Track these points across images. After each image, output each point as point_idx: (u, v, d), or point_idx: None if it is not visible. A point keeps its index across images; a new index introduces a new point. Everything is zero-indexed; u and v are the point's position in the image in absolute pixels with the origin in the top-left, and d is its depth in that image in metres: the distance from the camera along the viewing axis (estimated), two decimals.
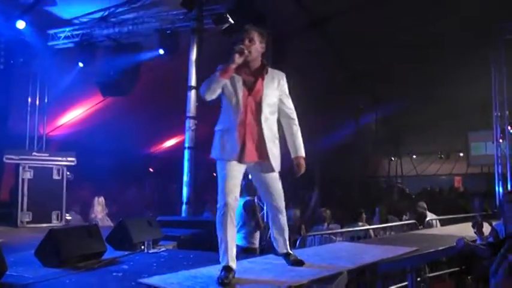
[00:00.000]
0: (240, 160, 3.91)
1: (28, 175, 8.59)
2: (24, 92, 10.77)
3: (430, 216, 9.61)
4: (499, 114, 10.90)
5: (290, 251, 4.30)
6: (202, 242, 6.23)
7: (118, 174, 12.01)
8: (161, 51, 9.80)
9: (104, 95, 11.14)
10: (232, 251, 3.76)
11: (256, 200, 7.28)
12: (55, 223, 8.61)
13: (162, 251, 5.20)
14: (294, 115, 4.17)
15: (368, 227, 8.31)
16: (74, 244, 4.60)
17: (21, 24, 9.70)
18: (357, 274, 4.55)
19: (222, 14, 8.78)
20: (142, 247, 5.20)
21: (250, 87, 3.98)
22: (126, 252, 5.05)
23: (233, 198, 3.84)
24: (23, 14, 9.71)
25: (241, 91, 3.95)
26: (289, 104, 4.16)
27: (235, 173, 3.90)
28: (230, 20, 8.69)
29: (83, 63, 10.51)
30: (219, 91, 3.91)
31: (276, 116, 4.10)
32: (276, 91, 4.06)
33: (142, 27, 9.95)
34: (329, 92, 14.41)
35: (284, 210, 4.23)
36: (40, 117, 10.88)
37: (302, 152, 4.11)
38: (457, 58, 11.98)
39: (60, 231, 4.78)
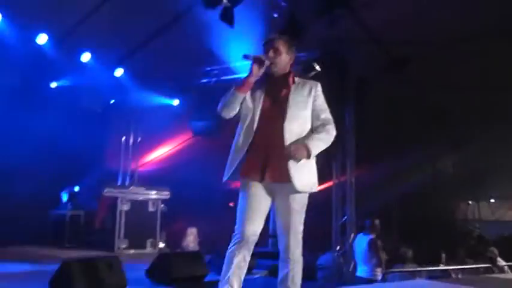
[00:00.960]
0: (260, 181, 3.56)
1: (125, 207, 9.49)
2: (118, 132, 11.78)
3: (501, 262, 9.73)
4: None
5: None
6: None
7: (202, 207, 12.74)
8: None
9: (195, 135, 12.02)
10: None
11: None
12: (149, 250, 9.48)
13: (257, 277, 5.82)
14: (330, 127, 3.62)
15: (447, 267, 8.62)
16: (182, 266, 5.30)
17: (119, 72, 10.79)
18: None
19: (310, 62, 9.32)
20: None
21: (274, 99, 3.61)
22: None
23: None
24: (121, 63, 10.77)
25: (260, 104, 3.58)
26: (325, 115, 3.64)
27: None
28: (317, 67, 9.27)
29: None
30: (237, 107, 3.59)
31: (307, 129, 3.60)
32: (306, 100, 3.60)
33: None
34: (406, 134, 14.70)
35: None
36: (133, 155, 11.83)
37: (311, 146, 3.49)
38: None
39: (170, 254, 5.50)
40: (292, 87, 3.62)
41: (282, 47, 3.59)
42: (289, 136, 3.48)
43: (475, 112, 13.62)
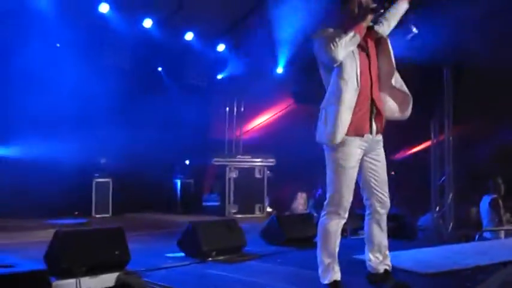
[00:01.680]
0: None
1: (234, 174, 10.42)
2: (223, 103, 12.66)
3: None
4: None
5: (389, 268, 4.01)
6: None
7: (305, 173, 13.41)
8: None
9: (297, 103, 12.69)
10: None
11: None
12: (257, 214, 10.44)
13: (363, 237, 6.42)
14: None
15: None
16: (294, 227, 6.05)
17: (221, 47, 11.64)
18: None
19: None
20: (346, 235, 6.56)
21: (367, 54, 3.82)
22: None
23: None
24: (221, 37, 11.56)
25: (357, 60, 3.73)
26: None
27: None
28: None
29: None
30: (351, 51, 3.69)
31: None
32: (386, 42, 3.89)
33: None
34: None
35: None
36: (237, 124, 12.70)
37: None
38: None
39: (283, 217, 6.28)
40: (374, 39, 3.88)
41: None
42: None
43: None
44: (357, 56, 3.71)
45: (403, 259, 4.58)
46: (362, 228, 6.68)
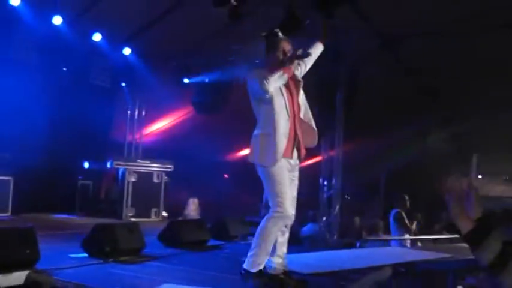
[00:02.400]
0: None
1: (132, 178, 10.70)
2: (125, 106, 12.85)
3: None
4: None
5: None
6: None
7: (201, 178, 13.92)
8: None
9: (198, 113, 13.20)
10: None
11: None
12: (153, 218, 10.75)
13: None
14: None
15: (417, 237, 9.97)
16: (189, 232, 6.61)
17: (127, 51, 11.91)
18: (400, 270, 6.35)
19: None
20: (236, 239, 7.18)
21: (291, 92, 4.59)
22: (224, 241, 7.05)
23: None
24: (128, 41, 11.85)
25: (285, 96, 4.51)
26: None
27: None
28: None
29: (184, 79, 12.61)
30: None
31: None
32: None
33: None
34: (397, 111, 15.83)
35: None
36: (137, 127, 12.88)
37: None
38: None
39: (179, 222, 6.80)
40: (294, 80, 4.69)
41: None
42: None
43: (465, 91, 14.67)
44: (284, 92, 4.52)
45: (290, 261, 5.18)
46: (251, 234, 7.35)
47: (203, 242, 6.68)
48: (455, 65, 12.90)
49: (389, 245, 9.06)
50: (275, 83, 4.37)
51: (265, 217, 4.49)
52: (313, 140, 4.74)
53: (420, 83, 14.55)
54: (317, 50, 4.92)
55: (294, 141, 4.57)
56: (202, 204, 11.55)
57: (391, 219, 9.79)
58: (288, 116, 4.50)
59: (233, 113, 13.64)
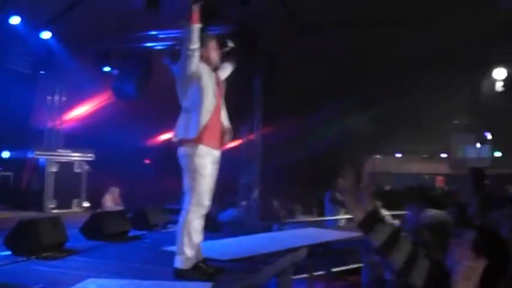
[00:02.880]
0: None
1: (54, 168, 10.74)
2: (45, 91, 12.76)
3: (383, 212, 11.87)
4: None
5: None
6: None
7: (123, 166, 14.01)
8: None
9: (118, 99, 13.25)
10: None
11: None
12: (75, 209, 10.79)
13: (173, 230, 7.43)
14: None
15: (333, 218, 10.62)
16: (111, 223, 6.87)
17: (47, 35, 11.78)
18: (315, 250, 6.88)
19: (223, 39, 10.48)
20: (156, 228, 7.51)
21: (217, 91, 4.94)
22: (144, 231, 7.36)
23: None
24: (48, 25, 11.75)
25: (215, 91, 4.88)
26: None
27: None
28: (230, 44, 10.49)
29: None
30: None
31: None
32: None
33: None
34: (318, 95, 16.43)
35: None
36: (58, 113, 12.89)
37: None
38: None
39: (102, 213, 7.05)
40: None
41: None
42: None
43: (381, 73, 15.42)
44: (214, 81, 4.91)
45: (209, 249, 5.46)
46: (172, 222, 7.68)
47: (124, 233, 6.94)
48: (372, 51, 13.61)
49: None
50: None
51: (184, 210, 4.74)
52: (228, 137, 5.07)
53: (338, 68, 15.20)
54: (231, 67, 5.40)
55: (218, 132, 4.92)
56: (125, 193, 11.69)
57: (326, 200, 10.29)
58: (214, 101, 4.84)
59: (153, 98, 13.80)
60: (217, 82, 5.02)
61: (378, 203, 11.83)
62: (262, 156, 10.84)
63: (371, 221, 2.65)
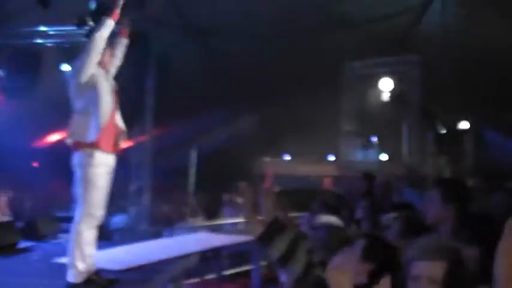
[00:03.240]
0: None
1: None
2: None
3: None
4: None
5: None
6: None
7: (10, 171, 13.41)
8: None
9: (9, 98, 12.67)
10: None
11: None
12: None
13: (64, 241, 7.24)
14: None
15: (222, 222, 10.80)
16: None
17: None
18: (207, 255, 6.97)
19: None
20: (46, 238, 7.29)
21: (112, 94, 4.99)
22: (34, 242, 7.11)
23: None
24: None
25: (110, 93, 4.92)
26: None
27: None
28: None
29: None
30: None
31: None
32: None
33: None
34: (208, 98, 16.58)
35: None
36: None
37: None
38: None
39: None
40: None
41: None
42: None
43: (271, 78, 15.84)
44: (109, 83, 4.95)
45: (101, 259, 5.45)
46: (63, 231, 7.50)
47: (13, 245, 6.66)
48: (263, 55, 14.01)
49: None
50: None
51: (75, 221, 4.66)
52: (123, 139, 5.07)
53: (229, 71, 15.47)
54: (123, 47, 5.32)
55: (115, 134, 4.89)
56: (15, 200, 11.24)
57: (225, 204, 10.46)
58: (111, 103, 4.86)
59: (42, 98, 13.33)
60: (112, 84, 5.03)
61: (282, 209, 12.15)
62: (153, 159, 10.75)
63: (269, 235, 2.78)
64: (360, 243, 2.83)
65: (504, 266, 1.94)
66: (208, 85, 15.91)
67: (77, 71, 4.77)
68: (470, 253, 2.69)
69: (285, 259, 2.85)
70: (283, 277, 3.37)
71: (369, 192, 6.89)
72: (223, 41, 13.48)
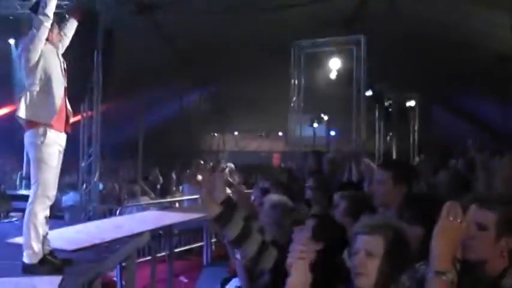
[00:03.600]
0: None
1: None
2: None
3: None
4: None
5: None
6: None
7: None
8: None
9: None
10: None
11: None
12: None
13: (15, 220, 7.26)
14: None
15: (174, 199, 10.97)
16: None
17: None
18: (158, 233, 7.14)
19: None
20: None
21: (61, 68, 4.94)
22: None
23: None
24: None
25: (60, 67, 4.88)
26: None
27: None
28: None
29: None
30: None
31: None
32: None
33: None
34: (156, 73, 16.61)
35: None
36: None
37: None
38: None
39: None
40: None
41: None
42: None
43: (220, 53, 15.98)
44: (59, 61, 4.90)
45: (55, 239, 5.39)
46: (15, 210, 7.49)
47: None
48: (212, 31, 14.10)
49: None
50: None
51: (30, 201, 4.70)
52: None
53: (177, 48, 15.53)
54: (72, 28, 5.30)
55: (65, 114, 4.88)
56: None
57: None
58: (63, 83, 4.86)
59: None
60: (61, 62, 5.00)
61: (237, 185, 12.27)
62: (101, 135, 10.71)
63: (226, 216, 2.96)
64: (310, 224, 3.03)
65: (439, 245, 2.15)
66: (156, 61, 15.95)
67: (26, 49, 4.75)
68: (415, 232, 2.86)
69: (240, 239, 3.03)
70: (238, 256, 3.56)
71: (317, 170, 7.05)
72: (171, 16, 13.50)
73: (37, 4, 4.86)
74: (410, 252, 2.53)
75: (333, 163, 7.00)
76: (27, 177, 10.00)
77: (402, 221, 2.94)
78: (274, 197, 4.39)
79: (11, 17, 11.08)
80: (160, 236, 8.26)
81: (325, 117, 16.72)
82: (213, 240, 10.17)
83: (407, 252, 2.50)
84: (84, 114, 10.39)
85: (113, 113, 14.53)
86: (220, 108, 21.88)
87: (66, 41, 5.24)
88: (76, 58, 10.62)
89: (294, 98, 14.52)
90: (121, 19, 12.25)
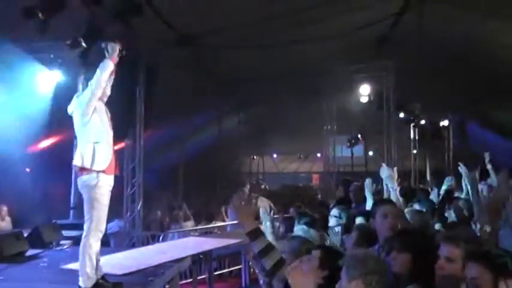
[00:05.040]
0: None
1: None
2: None
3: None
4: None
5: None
6: None
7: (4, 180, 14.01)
8: None
9: None
10: None
11: None
12: None
13: (66, 248, 8.12)
14: None
15: (215, 225, 11.70)
16: (9, 245, 7.40)
17: None
18: (198, 257, 7.94)
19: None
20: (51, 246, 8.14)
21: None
22: (41, 250, 7.93)
23: None
24: None
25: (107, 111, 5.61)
26: None
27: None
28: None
29: None
30: None
31: None
32: None
33: None
34: (195, 98, 17.33)
35: None
36: None
37: None
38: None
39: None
40: None
41: None
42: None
43: (257, 79, 16.63)
44: (107, 116, 5.63)
45: (105, 264, 6.01)
46: (65, 238, 8.27)
47: (22, 253, 7.47)
48: (249, 59, 14.79)
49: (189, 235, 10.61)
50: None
51: (85, 234, 5.47)
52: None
53: (215, 76, 16.25)
54: (112, 74, 5.81)
55: (115, 160, 5.60)
56: (13, 209, 11.77)
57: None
58: (111, 133, 5.62)
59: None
60: (108, 114, 5.72)
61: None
62: (144, 164, 11.36)
63: (256, 231, 3.68)
64: (316, 254, 3.68)
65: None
66: (195, 86, 16.62)
67: (83, 106, 5.53)
68: (405, 258, 3.33)
69: (262, 253, 3.66)
70: (257, 270, 4.25)
71: (344, 198, 7.62)
72: (210, 44, 14.15)
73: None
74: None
75: (360, 190, 7.21)
76: (75, 207, 10.86)
77: (392, 249, 3.49)
78: (299, 231, 4.81)
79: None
80: (200, 260, 9.11)
81: (361, 137, 17.37)
82: (251, 263, 10.84)
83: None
84: (128, 144, 11.09)
85: (155, 140, 15.27)
86: (259, 131, 22.43)
87: (108, 91, 5.82)
88: (119, 93, 11.44)
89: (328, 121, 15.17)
90: (161, 53, 13.02)
